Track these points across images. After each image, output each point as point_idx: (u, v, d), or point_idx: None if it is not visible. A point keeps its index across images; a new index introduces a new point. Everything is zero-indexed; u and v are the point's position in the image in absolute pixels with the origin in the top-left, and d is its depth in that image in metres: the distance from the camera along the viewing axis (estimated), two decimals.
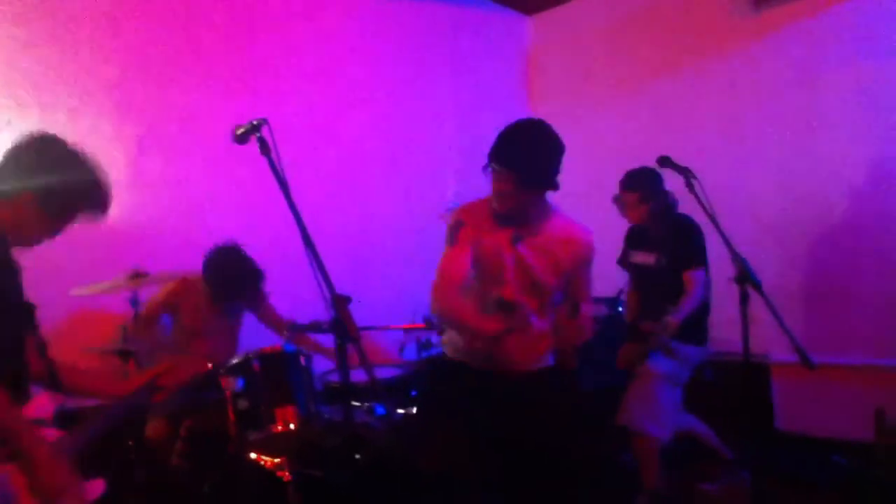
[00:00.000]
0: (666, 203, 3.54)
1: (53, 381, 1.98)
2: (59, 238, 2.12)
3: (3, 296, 1.82)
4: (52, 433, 1.83)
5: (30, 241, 1.97)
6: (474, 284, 2.51)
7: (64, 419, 1.90)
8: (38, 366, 1.98)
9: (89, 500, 1.82)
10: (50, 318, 2.10)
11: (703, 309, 3.50)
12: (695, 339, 3.49)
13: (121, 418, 2.10)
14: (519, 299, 2.45)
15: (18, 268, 1.92)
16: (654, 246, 3.61)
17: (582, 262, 2.52)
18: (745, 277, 2.48)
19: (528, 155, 2.35)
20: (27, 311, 1.95)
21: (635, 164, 3.65)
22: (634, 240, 3.76)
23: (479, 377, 2.54)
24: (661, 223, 3.57)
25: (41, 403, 1.88)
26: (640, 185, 3.55)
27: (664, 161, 2.79)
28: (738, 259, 2.51)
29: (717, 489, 3.68)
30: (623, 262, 3.84)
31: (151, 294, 3.62)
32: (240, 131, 2.02)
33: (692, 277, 3.44)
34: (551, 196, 2.48)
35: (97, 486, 1.85)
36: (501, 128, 2.42)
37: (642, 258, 3.69)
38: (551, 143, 2.38)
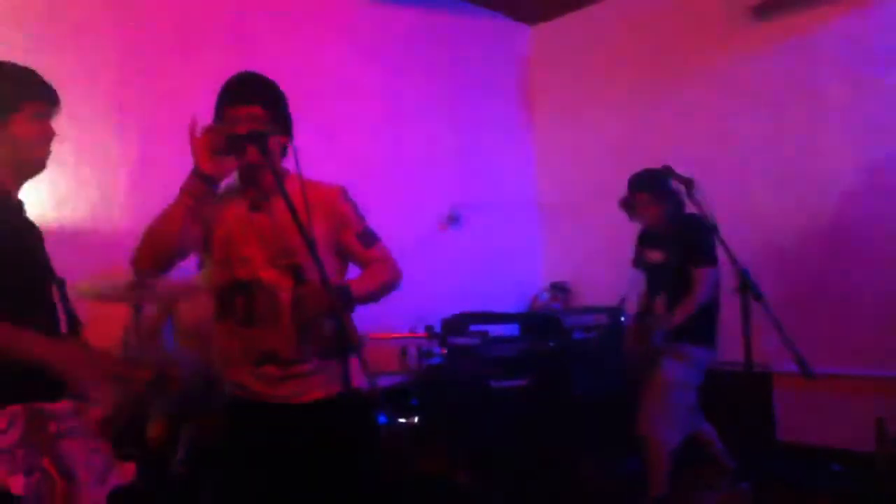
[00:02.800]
0: (676, 202, 3.52)
1: None
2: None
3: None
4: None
5: (31, 161, 1.93)
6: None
7: None
8: None
9: (123, 482, 1.77)
10: None
11: (713, 309, 3.47)
12: (703, 340, 3.46)
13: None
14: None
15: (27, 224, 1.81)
16: (664, 244, 3.60)
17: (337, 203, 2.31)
18: (747, 288, 2.46)
19: None
20: (54, 276, 1.87)
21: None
22: (647, 238, 3.74)
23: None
24: (671, 221, 3.55)
25: None
26: (651, 185, 3.53)
27: (666, 171, 2.81)
28: (739, 269, 2.49)
29: (718, 499, 3.67)
30: (637, 262, 3.83)
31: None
32: (233, 138, 1.99)
33: (699, 276, 3.41)
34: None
35: (129, 470, 1.80)
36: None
37: (654, 256, 3.68)
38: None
